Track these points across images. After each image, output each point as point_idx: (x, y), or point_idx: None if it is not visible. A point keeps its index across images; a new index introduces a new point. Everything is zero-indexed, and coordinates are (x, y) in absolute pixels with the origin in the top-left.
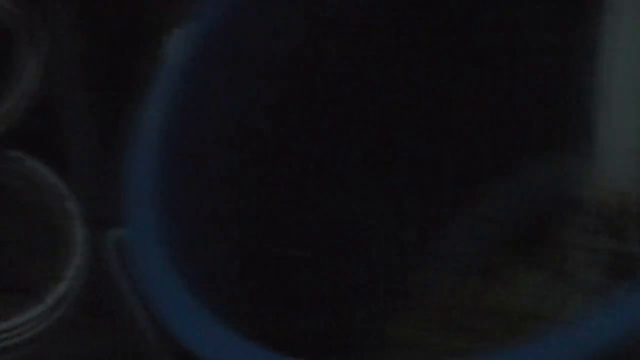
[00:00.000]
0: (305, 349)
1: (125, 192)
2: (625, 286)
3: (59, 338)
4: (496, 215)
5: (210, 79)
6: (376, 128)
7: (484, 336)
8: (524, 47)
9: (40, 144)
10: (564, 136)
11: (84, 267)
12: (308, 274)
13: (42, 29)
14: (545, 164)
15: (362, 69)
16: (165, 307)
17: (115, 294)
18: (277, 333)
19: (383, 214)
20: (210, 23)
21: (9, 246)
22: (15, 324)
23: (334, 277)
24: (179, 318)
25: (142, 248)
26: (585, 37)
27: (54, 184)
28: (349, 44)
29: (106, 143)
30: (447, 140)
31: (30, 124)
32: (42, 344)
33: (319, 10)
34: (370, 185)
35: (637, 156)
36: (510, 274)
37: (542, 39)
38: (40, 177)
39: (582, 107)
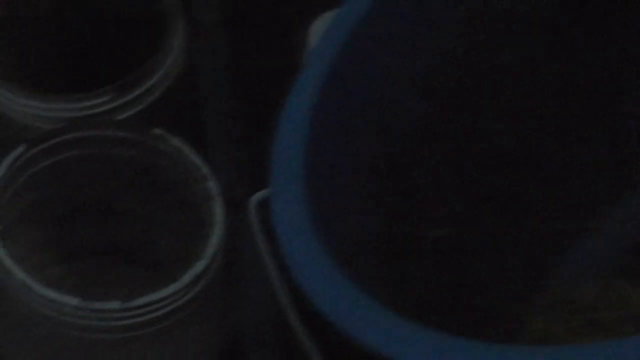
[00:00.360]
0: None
1: (272, 157)
2: None
3: (193, 316)
4: None
5: (361, 61)
6: (530, 118)
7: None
8: None
9: (184, 124)
10: None
11: (222, 247)
12: (446, 255)
13: (186, 9)
14: None
15: (510, 72)
16: (303, 269)
17: (252, 257)
18: (415, 308)
19: (531, 204)
20: (363, 9)
21: (148, 223)
22: (151, 301)
23: (475, 262)
24: (316, 282)
25: (284, 211)
26: None
27: (196, 163)
28: (500, 43)
29: (246, 125)
30: (596, 140)
31: (174, 102)
32: (176, 322)
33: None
34: (520, 174)
35: None
36: None
37: None
38: (182, 156)
39: None
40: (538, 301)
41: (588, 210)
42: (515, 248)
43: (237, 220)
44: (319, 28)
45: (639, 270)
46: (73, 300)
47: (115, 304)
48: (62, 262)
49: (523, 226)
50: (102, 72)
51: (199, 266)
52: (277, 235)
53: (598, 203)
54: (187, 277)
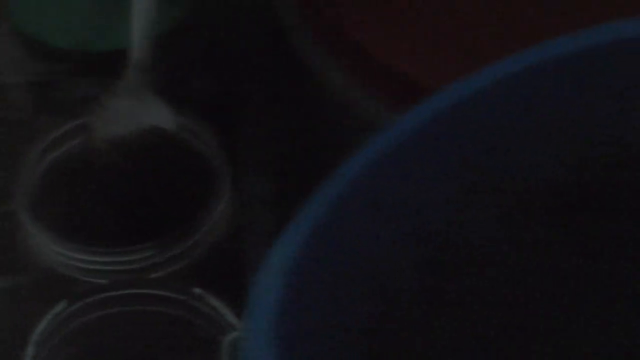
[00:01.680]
0: None
1: (249, 302)
2: None
3: None
4: None
5: (350, 223)
6: None
7: None
8: None
9: (225, 283)
10: None
11: None
12: None
13: (232, 168)
14: None
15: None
16: None
17: None
18: None
19: None
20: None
21: None
22: None
23: None
24: None
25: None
26: None
27: (233, 324)
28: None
29: None
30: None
31: (215, 261)
32: None
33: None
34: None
35: None
36: None
37: None
38: (220, 317)
39: None
40: None
41: None
42: None
43: None
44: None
45: None
46: None
47: None
48: None
49: None
50: (145, 228)
51: None
52: None
53: None
54: None
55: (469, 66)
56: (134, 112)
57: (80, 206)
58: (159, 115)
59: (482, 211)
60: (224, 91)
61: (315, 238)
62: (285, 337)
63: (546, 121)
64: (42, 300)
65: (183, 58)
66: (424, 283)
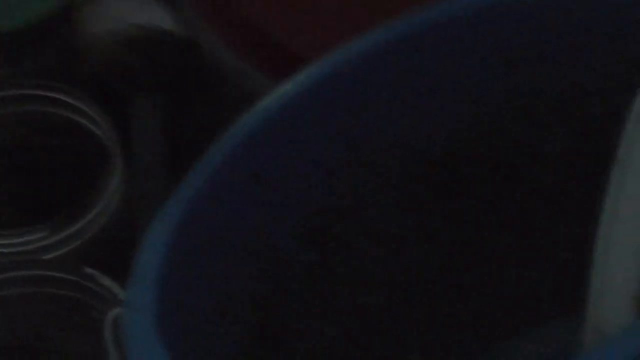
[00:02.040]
0: None
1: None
2: None
3: None
4: None
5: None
6: None
7: None
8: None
9: (119, 263)
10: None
11: None
12: None
13: (125, 147)
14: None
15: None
16: None
17: None
18: None
19: None
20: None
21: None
22: None
23: None
24: None
25: (135, 330)
26: None
27: None
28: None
29: None
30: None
31: (109, 241)
32: None
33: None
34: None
35: None
36: None
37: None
38: (114, 296)
39: None
40: None
41: None
42: None
43: None
44: None
45: None
46: None
47: None
48: None
49: None
50: (37, 209)
51: None
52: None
53: None
54: None
55: (347, 35)
56: (127, 8)
57: None
58: (151, 12)
59: (364, 183)
60: (114, 70)
61: (195, 211)
62: (167, 311)
63: (419, 89)
64: None
65: (77, 40)
66: (312, 257)
